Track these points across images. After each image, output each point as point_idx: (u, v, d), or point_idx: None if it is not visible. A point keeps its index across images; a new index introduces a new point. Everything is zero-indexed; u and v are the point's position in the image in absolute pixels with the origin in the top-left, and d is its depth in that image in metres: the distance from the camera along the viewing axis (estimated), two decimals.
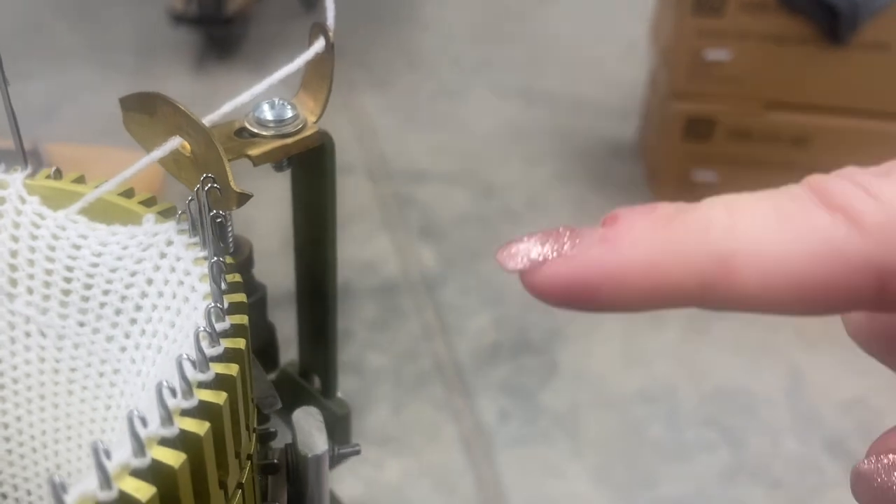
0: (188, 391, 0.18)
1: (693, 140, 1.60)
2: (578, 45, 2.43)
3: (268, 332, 0.31)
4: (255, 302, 0.29)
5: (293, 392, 0.32)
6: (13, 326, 0.26)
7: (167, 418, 0.18)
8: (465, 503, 1.28)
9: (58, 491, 0.15)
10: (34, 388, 0.26)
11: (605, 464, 1.33)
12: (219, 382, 0.19)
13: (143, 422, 0.17)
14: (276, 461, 0.24)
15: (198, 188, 0.22)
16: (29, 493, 0.26)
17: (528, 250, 0.18)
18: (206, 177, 0.22)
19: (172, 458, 0.17)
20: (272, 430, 0.25)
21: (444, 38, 2.54)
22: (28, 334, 0.25)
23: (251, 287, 0.29)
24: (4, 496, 0.26)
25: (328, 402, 0.31)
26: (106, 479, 0.16)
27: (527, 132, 2.10)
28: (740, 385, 1.46)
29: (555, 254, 0.17)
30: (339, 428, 0.31)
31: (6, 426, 0.26)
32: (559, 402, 1.44)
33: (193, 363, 0.19)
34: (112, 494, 0.16)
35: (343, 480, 1.28)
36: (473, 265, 1.74)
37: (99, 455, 0.16)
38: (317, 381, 0.32)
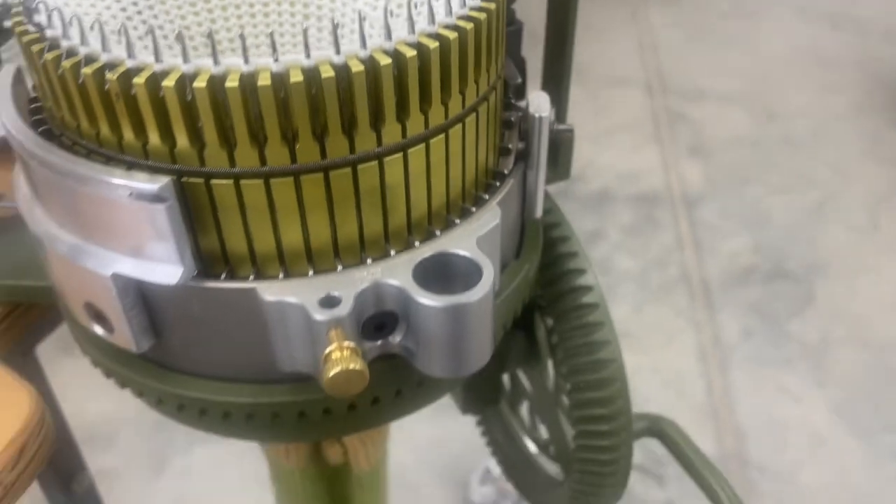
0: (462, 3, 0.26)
1: None
2: None
3: (520, 65, 0.37)
4: (512, 33, 0.36)
5: None
6: None
7: (449, 12, 0.25)
8: (692, 406, 1.29)
9: (386, 21, 0.23)
10: None
11: (848, 400, 1.26)
12: (480, 10, 0.26)
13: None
14: (512, 119, 0.31)
15: None
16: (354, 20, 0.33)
17: None
18: None
19: (450, 34, 0.25)
20: (512, 99, 0.32)
21: None
22: None
23: (510, 18, 0.36)
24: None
25: (559, 125, 0.38)
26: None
27: (826, 58, 1.95)
28: None
29: None
30: (563, 149, 0.38)
31: None
32: (809, 333, 1.38)
33: None
34: (412, 39, 0.24)
35: None
36: (740, 188, 1.69)
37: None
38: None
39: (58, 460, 0.62)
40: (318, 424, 0.30)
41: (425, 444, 1.20)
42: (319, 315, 0.24)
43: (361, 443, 0.40)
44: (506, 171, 0.31)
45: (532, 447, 0.48)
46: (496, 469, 0.99)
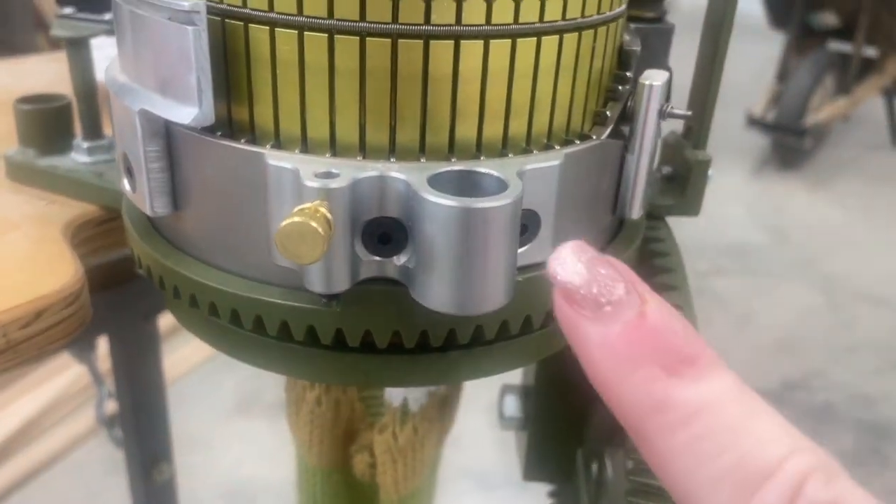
0: None
1: None
2: None
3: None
4: (658, 31, 0.33)
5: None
6: None
7: None
8: None
9: None
10: None
11: None
12: None
13: None
14: (619, 89, 0.27)
15: None
16: None
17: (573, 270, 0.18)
18: None
19: None
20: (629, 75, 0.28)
21: None
22: None
23: (660, 14, 0.33)
24: None
25: (696, 152, 0.33)
26: None
27: None
28: None
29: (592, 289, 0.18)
30: (694, 177, 0.33)
31: None
32: None
33: None
34: None
35: None
36: None
37: None
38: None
39: (145, 440, 0.62)
40: (305, 353, 0.26)
41: None
42: (311, 181, 0.22)
43: (392, 459, 0.34)
44: (594, 137, 0.26)
45: None
46: None
